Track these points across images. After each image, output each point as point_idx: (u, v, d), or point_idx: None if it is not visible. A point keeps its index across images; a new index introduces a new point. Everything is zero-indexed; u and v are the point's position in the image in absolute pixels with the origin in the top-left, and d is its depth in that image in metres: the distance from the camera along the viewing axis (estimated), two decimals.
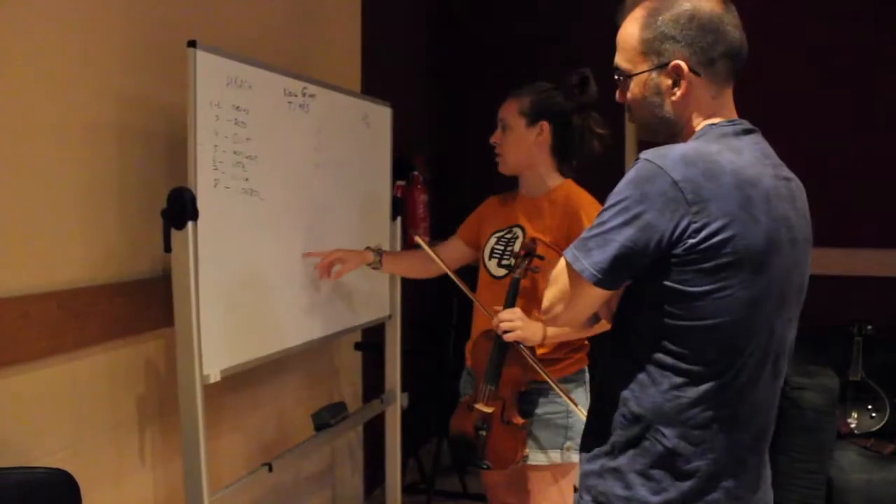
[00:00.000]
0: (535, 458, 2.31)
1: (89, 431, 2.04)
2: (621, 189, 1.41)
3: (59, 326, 1.90)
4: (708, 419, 1.42)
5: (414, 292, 3.46)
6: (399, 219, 3.16)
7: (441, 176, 4.47)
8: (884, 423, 3.62)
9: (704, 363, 1.41)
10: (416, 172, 3.91)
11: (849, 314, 3.75)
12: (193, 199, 1.99)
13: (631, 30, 1.51)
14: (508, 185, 2.50)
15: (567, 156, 2.40)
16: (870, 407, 3.67)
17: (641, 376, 1.45)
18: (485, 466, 2.32)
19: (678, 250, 1.36)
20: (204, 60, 2.00)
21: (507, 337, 2.19)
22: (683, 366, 1.42)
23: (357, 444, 3.63)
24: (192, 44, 1.97)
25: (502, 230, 2.42)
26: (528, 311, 2.26)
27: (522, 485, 2.38)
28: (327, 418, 2.67)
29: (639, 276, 1.42)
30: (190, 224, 1.98)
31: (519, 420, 2.28)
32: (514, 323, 2.19)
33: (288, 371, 2.97)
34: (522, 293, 2.27)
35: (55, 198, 1.93)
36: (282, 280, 2.44)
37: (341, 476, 3.51)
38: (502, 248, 2.39)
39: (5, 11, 1.77)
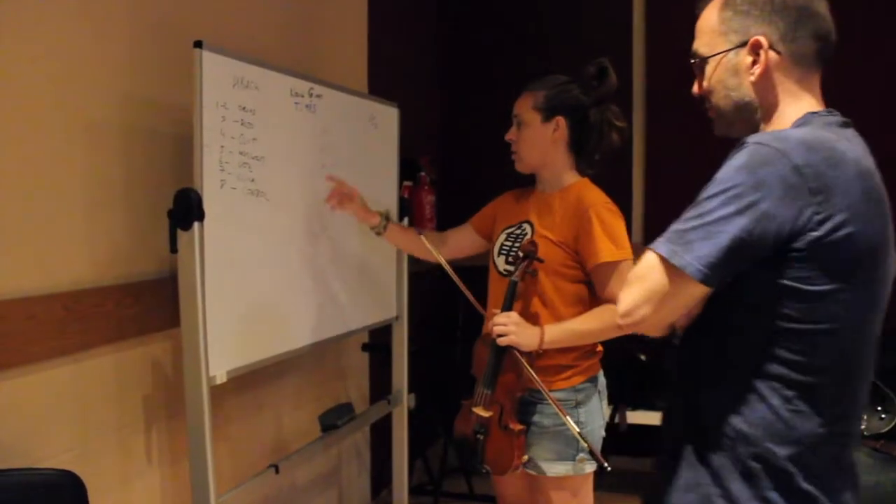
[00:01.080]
0: (547, 469, 2.25)
1: (96, 433, 2.04)
2: (729, 175, 1.27)
3: (64, 328, 1.90)
4: (822, 435, 1.31)
5: (421, 293, 3.45)
6: (406, 219, 3.15)
7: (448, 176, 4.46)
8: (893, 424, 3.60)
9: (819, 372, 1.30)
10: (422, 173, 3.91)
11: None
12: (199, 200, 1.98)
13: (709, 13, 1.44)
14: (517, 185, 2.47)
15: (585, 151, 2.32)
16: (879, 408, 3.64)
17: (745, 389, 1.32)
18: (484, 471, 2.29)
19: (799, 244, 1.24)
20: (210, 61, 2.00)
21: (501, 341, 2.15)
22: (795, 376, 1.29)
23: (364, 446, 3.63)
24: (198, 44, 1.96)
25: (512, 226, 2.36)
26: (527, 315, 2.23)
27: (535, 497, 2.33)
28: (334, 419, 2.66)
29: (743, 272, 1.28)
30: (196, 225, 1.98)
31: (517, 426, 2.23)
32: (507, 327, 2.15)
33: (294, 372, 2.96)
34: (521, 296, 2.24)
35: (61, 199, 1.93)
36: (288, 281, 2.43)
37: (348, 477, 3.50)
38: (510, 244, 2.33)
39: (11, 12, 1.77)
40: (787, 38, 1.37)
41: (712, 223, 1.26)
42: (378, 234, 2.57)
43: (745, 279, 1.29)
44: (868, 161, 1.34)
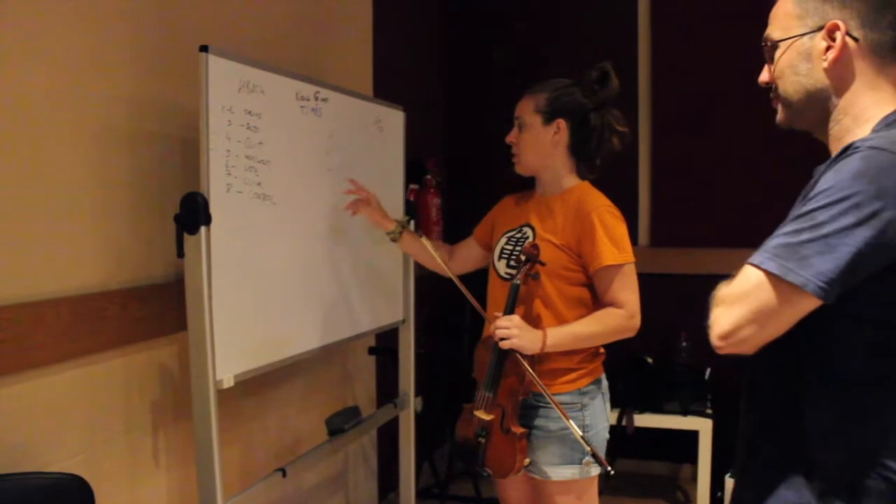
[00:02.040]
0: (553, 474, 2.25)
1: (103, 436, 2.04)
2: (844, 183, 1.18)
3: (72, 332, 1.91)
4: None
5: (427, 296, 3.46)
6: (413, 223, 3.15)
7: (454, 179, 4.46)
8: None
9: None
10: (428, 176, 3.91)
11: None
12: (206, 204, 1.99)
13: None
14: (521, 189, 2.47)
15: (585, 155, 2.33)
16: None
17: (854, 402, 1.25)
18: (485, 474, 2.29)
19: None
20: (216, 65, 2.00)
21: (503, 345, 2.15)
22: None
23: (371, 449, 3.63)
24: (204, 49, 1.97)
25: (513, 230, 2.37)
26: (529, 318, 2.23)
27: (540, 501, 2.33)
28: (341, 423, 2.67)
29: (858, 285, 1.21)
30: (203, 229, 1.98)
31: (518, 429, 2.22)
32: (510, 331, 2.14)
33: (301, 376, 2.96)
34: (523, 299, 2.24)
35: (68, 202, 1.93)
36: (295, 285, 2.43)
37: (355, 481, 3.50)
38: (511, 248, 2.33)
39: (19, 15, 1.78)
40: (867, 25, 1.29)
41: (830, 235, 1.17)
42: (393, 240, 2.58)
43: (862, 290, 1.22)
44: None
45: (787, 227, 1.23)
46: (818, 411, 1.28)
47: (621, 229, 2.23)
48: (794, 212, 1.26)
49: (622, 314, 2.20)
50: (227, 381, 2.09)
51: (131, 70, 2.11)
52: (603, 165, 2.37)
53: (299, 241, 2.45)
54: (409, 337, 3.17)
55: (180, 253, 2.01)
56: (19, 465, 1.74)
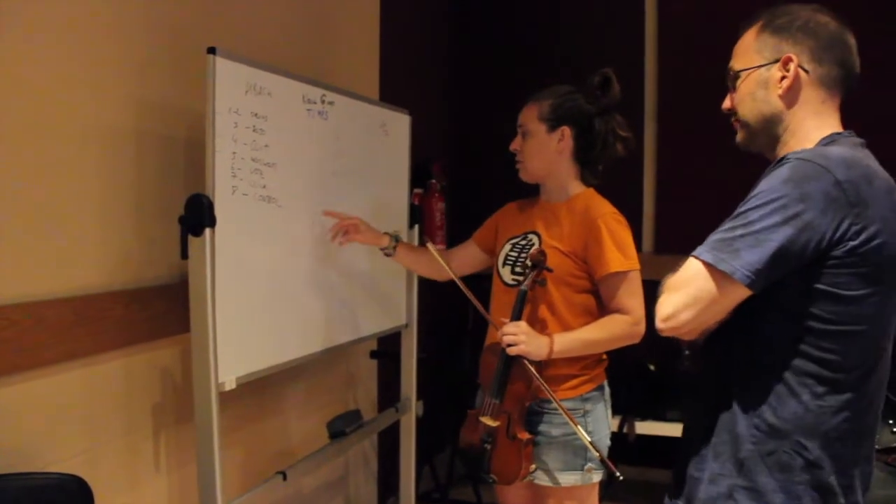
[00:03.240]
0: (555, 480, 2.24)
1: (104, 437, 2.04)
2: (774, 187, 1.37)
3: (74, 332, 1.90)
4: (846, 430, 1.40)
5: (430, 300, 3.45)
6: (417, 227, 3.15)
7: (458, 184, 4.46)
8: None
9: (847, 370, 1.40)
10: (433, 180, 3.91)
11: None
12: (211, 206, 1.98)
13: (748, 35, 1.56)
14: (526, 194, 2.47)
15: (590, 161, 2.33)
16: (891, 422, 3.62)
17: (778, 386, 1.41)
18: (490, 480, 2.28)
19: (837, 252, 1.35)
20: (223, 67, 2.00)
21: (511, 351, 2.15)
22: (826, 373, 1.39)
23: (371, 453, 3.62)
24: (211, 50, 1.97)
25: (518, 236, 2.36)
26: (535, 325, 2.22)
27: None
28: (342, 426, 2.66)
29: (781, 278, 1.38)
30: (207, 231, 1.97)
31: (525, 435, 2.22)
32: (517, 337, 2.14)
33: (303, 379, 2.96)
34: (530, 305, 2.23)
35: (72, 203, 1.93)
36: (298, 288, 2.43)
37: (355, 484, 3.50)
38: (516, 254, 2.33)
39: (25, 16, 1.78)
40: (815, 59, 1.48)
41: (759, 232, 1.35)
42: (388, 255, 2.57)
43: (781, 284, 1.38)
44: (890, 178, 1.45)
45: (726, 225, 1.41)
46: (745, 393, 1.45)
47: (627, 236, 2.23)
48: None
49: (628, 321, 2.20)
50: (230, 384, 2.08)
51: (138, 71, 2.11)
52: (607, 171, 2.37)
53: (303, 244, 2.45)
54: (411, 341, 3.16)
55: (184, 254, 2.00)
56: (20, 465, 1.74)
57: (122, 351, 2.08)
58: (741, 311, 1.43)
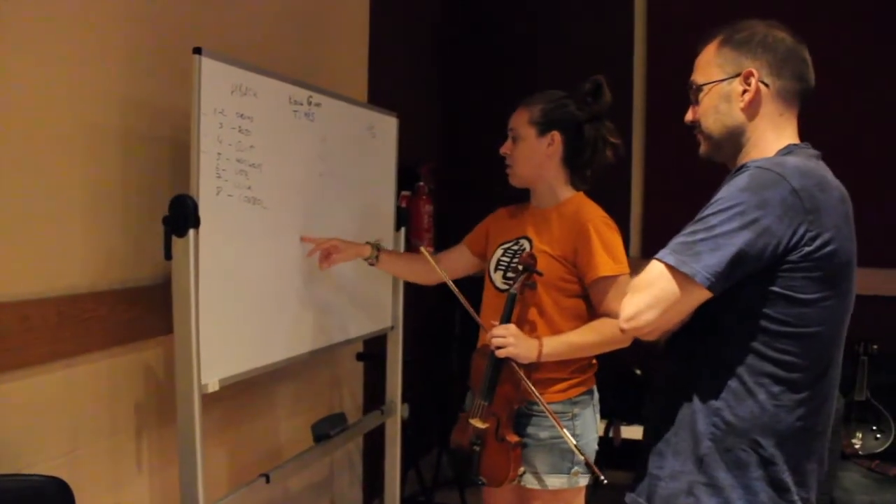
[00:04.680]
0: (542, 483, 2.25)
1: (86, 438, 2.03)
2: (733, 194, 1.42)
3: (58, 332, 1.89)
4: (800, 428, 1.47)
5: (416, 303, 3.44)
6: (403, 229, 3.14)
7: (446, 186, 4.46)
8: (888, 444, 3.59)
9: (801, 370, 1.46)
10: (420, 183, 3.90)
11: (854, 333, 3.69)
12: (195, 207, 1.97)
13: (708, 49, 1.61)
14: (514, 196, 2.47)
15: (579, 167, 2.34)
16: (874, 427, 3.64)
17: (735, 385, 1.47)
18: (480, 482, 2.29)
19: (793, 257, 1.41)
20: (209, 67, 1.99)
21: (500, 353, 2.16)
22: (782, 373, 1.45)
23: (356, 456, 3.61)
24: (197, 50, 1.96)
25: (509, 242, 2.37)
26: (524, 328, 2.23)
27: None
28: (327, 429, 2.65)
29: (740, 281, 1.43)
30: (191, 232, 1.97)
31: (513, 438, 2.22)
32: (506, 339, 2.15)
33: (288, 381, 2.95)
34: (520, 309, 2.24)
35: (57, 202, 1.92)
36: (283, 289, 2.42)
37: (340, 487, 3.49)
38: (508, 259, 2.34)
39: (11, 16, 1.77)
40: (774, 73, 1.54)
41: (719, 236, 1.40)
42: (371, 264, 2.57)
43: (739, 287, 1.44)
44: (843, 188, 1.52)
45: (687, 229, 1.46)
46: (705, 392, 1.49)
47: (617, 241, 2.24)
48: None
49: (617, 324, 2.20)
50: (213, 386, 2.07)
51: (123, 71, 2.10)
52: (595, 176, 2.37)
53: (289, 245, 2.44)
54: (397, 344, 3.15)
55: (168, 255, 1.99)
56: (0, 466, 1.73)
57: (107, 352, 2.07)
58: (701, 313, 1.48)
